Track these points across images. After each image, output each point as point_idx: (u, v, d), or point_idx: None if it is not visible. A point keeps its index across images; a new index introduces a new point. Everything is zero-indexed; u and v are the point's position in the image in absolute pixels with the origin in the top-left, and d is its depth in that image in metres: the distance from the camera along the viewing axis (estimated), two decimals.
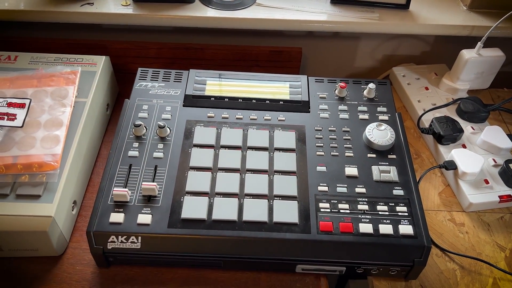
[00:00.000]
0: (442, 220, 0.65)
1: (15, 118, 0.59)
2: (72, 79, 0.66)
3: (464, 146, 0.71)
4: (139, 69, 0.73)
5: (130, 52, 0.82)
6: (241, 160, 0.61)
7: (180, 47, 0.82)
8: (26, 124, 0.59)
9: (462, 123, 0.74)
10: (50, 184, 0.56)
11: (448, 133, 0.71)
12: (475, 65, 0.77)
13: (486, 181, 0.66)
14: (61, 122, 0.61)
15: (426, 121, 0.75)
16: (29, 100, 0.61)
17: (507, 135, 0.71)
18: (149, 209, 0.56)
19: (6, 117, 0.58)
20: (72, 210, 0.60)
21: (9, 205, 0.53)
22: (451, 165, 0.67)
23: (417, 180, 0.66)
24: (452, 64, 0.86)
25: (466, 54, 0.76)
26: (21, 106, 0.60)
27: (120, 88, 0.81)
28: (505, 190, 0.66)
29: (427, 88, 0.82)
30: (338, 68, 0.94)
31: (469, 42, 0.84)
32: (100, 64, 0.71)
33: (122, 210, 0.56)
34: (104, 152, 0.71)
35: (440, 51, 0.91)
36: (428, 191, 0.69)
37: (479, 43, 0.75)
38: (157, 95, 0.69)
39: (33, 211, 0.53)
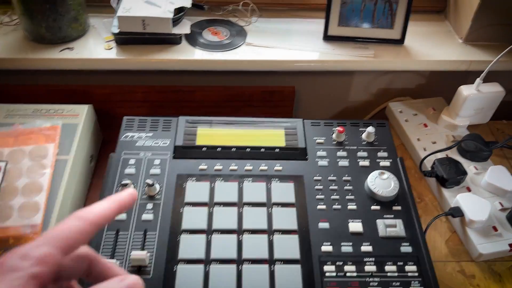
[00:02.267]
0: (451, 272, 0.62)
1: None
2: (52, 136, 0.61)
3: (468, 189, 0.69)
4: (125, 118, 0.68)
5: (115, 97, 0.78)
6: (237, 219, 0.57)
7: (168, 90, 0.78)
8: (1, 191, 0.54)
9: (465, 163, 0.71)
10: None
11: (451, 176, 0.68)
12: (475, 102, 0.74)
13: (495, 228, 0.63)
14: (40, 186, 0.56)
15: (427, 161, 0.72)
16: (5, 163, 0.56)
17: None
18: None
19: None
20: None
21: None
22: (457, 212, 0.64)
23: (424, 231, 0.62)
24: (449, 96, 0.84)
25: (465, 90, 0.74)
26: None
27: (105, 135, 0.77)
28: None
29: (425, 125, 0.79)
30: (332, 103, 0.91)
31: (465, 75, 0.82)
32: (82, 115, 0.67)
33: None
34: None
35: (436, 84, 0.88)
36: (434, 239, 0.65)
37: (478, 79, 0.73)
38: (145, 147, 0.65)
39: None
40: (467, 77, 0.86)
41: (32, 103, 0.68)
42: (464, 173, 0.68)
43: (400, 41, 0.78)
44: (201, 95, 0.79)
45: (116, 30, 0.72)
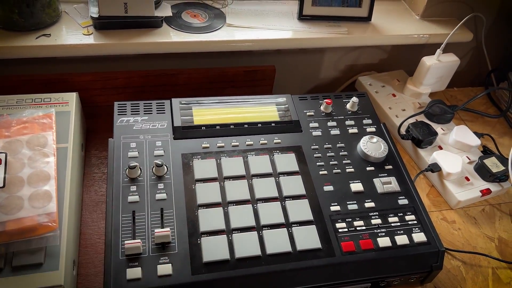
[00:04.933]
0: (436, 220, 0.69)
1: None
2: (48, 124, 0.58)
3: (440, 148, 0.77)
4: (116, 103, 0.67)
5: (95, 84, 0.75)
6: (249, 190, 0.60)
7: (150, 75, 0.77)
8: (6, 183, 0.51)
9: (433, 126, 0.79)
10: (49, 248, 0.49)
11: (426, 137, 0.75)
12: (436, 71, 0.83)
13: (467, 179, 0.72)
14: (47, 175, 0.54)
15: (401, 126, 0.80)
16: (4, 154, 0.53)
17: (474, 132, 0.78)
18: (166, 257, 0.52)
19: None
20: (73, 271, 0.53)
21: (7, 281, 0.46)
22: (436, 167, 0.72)
23: None
24: (408, 69, 0.93)
25: (428, 61, 0.82)
26: None
27: (87, 123, 0.74)
28: (484, 185, 0.72)
29: (394, 95, 0.86)
30: (304, 81, 0.95)
31: (421, 47, 0.91)
32: (72, 102, 0.64)
33: (137, 263, 0.51)
34: (87, 198, 0.65)
35: (396, 58, 0.96)
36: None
37: (438, 50, 0.81)
38: (143, 130, 0.65)
39: (39, 282, 0.47)
40: (422, 50, 0.95)
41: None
42: (435, 133, 0.76)
43: (367, 19, 0.84)
44: (184, 78, 0.80)
45: (96, 15, 0.70)
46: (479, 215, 0.71)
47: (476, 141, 0.76)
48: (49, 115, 0.59)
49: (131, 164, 0.58)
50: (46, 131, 0.58)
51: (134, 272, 0.50)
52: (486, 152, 0.78)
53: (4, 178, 0.51)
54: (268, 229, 0.56)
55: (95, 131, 0.75)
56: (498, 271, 0.64)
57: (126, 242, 0.51)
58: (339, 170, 0.64)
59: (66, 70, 0.76)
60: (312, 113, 0.72)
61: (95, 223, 0.62)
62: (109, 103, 0.78)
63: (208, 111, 0.69)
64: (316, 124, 0.70)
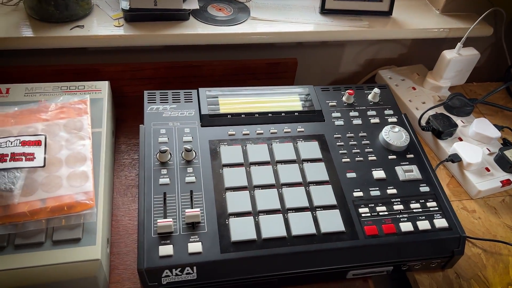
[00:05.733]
0: (456, 209, 0.70)
1: (34, 158, 0.54)
2: (83, 109, 0.61)
3: (460, 139, 0.78)
4: (145, 92, 0.70)
5: (124, 75, 0.78)
6: (274, 175, 0.62)
7: (176, 66, 0.80)
8: (46, 163, 0.54)
9: (453, 118, 0.80)
10: (87, 225, 0.52)
11: (446, 129, 0.76)
12: (456, 64, 0.84)
13: (487, 169, 0.73)
14: (84, 156, 0.56)
15: (422, 119, 0.81)
16: (44, 136, 0.56)
17: (494, 125, 0.79)
18: (196, 236, 0.54)
19: (23, 157, 0.53)
20: (107, 249, 0.56)
21: (48, 254, 0.49)
22: (456, 158, 0.73)
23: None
24: (427, 63, 0.94)
25: (448, 54, 0.83)
26: (37, 143, 0.55)
27: (116, 112, 0.77)
28: (504, 175, 0.73)
29: (414, 88, 0.88)
30: (324, 74, 0.97)
31: (440, 42, 0.92)
32: (105, 90, 0.67)
33: (169, 241, 0.53)
34: (117, 183, 0.68)
35: (416, 53, 0.98)
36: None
37: (459, 44, 0.82)
38: (172, 117, 0.67)
39: (77, 256, 0.49)
40: (441, 45, 0.96)
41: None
42: (455, 125, 0.77)
43: (388, 13, 0.86)
44: (208, 70, 0.82)
45: (127, 7, 0.73)
46: (499, 205, 0.72)
47: (496, 133, 0.77)
48: (84, 101, 0.62)
49: (162, 149, 0.61)
50: (82, 115, 0.60)
51: (166, 249, 0.52)
52: (506, 144, 0.79)
53: (44, 158, 0.54)
54: (293, 212, 0.58)
55: (124, 119, 0.77)
56: None
57: (158, 221, 0.54)
58: (361, 158, 0.66)
59: (96, 61, 0.79)
60: (335, 104, 0.73)
61: (126, 205, 0.65)
62: (137, 93, 0.81)
63: (234, 101, 0.71)
64: (338, 114, 0.72)
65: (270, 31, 0.79)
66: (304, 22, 0.82)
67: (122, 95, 0.80)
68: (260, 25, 0.80)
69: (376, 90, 0.74)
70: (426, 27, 0.86)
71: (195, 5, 0.77)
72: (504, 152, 0.73)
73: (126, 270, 0.58)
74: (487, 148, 0.76)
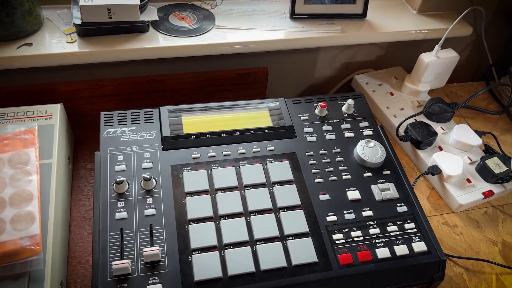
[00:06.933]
0: (437, 224, 0.67)
1: None
2: (30, 140, 0.56)
3: (440, 148, 0.74)
4: (102, 113, 0.65)
5: (82, 93, 0.73)
6: (241, 202, 0.57)
7: (139, 81, 0.75)
8: None
9: (432, 125, 0.76)
10: (34, 272, 0.47)
11: (425, 138, 0.73)
12: (435, 67, 0.80)
13: (469, 180, 0.69)
14: (30, 194, 0.51)
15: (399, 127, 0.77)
16: None
17: (475, 131, 0.75)
18: (156, 277, 0.50)
19: None
20: None
21: None
22: (436, 170, 0.69)
23: None
24: (406, 65, 0.90)
25: (426, 57, 0.79)
26: None
27: (75, 134, 0.72)
28: (486, 186, 0.69)
29: (392, 94, 0.84)
30: (299, 81, 0.93)
31: (419, 43, 0.88)
32: (56, 114, 0.62)
33: (126, 285, 0.49)
34: (75, 213, 0.63)
35: (394, 55, 0.93)
36: (417, 197, 0.70)
37: (436, 46, 0.78)
38: (130, 141, 0.62)
39: None
40: (420, 45, 0.92)
41: None
42: (435, 134, 0.74)
43: (362, 15, 0.81)
44: (174, 84, 0.77)
45: (79, 21, 0.67)
46: (481, 218, 0.69)
47: (477, 141, 0.74)
48: (31, 130, 0.57)
49: (118, 179, 0.56)
50: (28, 147, 0.55)
51: None
52: (488, 151, 0.75)
53: None
54: (262, 243, 0.54)
55: (84, 141, 0.72)
56: (502, 277, 0.61)
57: (114, 262, 0.49)
58: (335, 177, 0.62)
59: (51, 79, 0.73)
60: (307, 117, 0.69)
61: (84, 239, 0.60)
62: (97, 111, 0.75)
63: (198, 119, 0.66)
64: (310, 129, 0.67)
65: (237, 40, 0.74)
66: (273, 29, 0.77)
67: (82, 114, 0.75)
68: (227, 33, 0.75)
69: (349, 101, 0.69)
70: (402, 29, 0.82)
71: (154, 16, 0.72)
72: (485, 161, 0.70)
73: None
74: (468, 157, 0.73)
